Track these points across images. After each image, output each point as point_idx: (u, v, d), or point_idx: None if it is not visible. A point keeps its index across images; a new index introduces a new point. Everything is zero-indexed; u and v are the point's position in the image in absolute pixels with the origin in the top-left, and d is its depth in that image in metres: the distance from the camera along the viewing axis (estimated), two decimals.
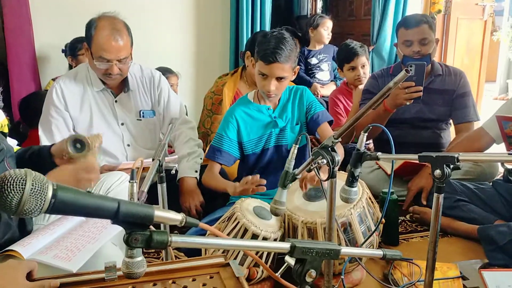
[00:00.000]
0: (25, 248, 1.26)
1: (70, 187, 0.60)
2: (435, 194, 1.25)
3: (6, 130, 1.54)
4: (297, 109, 2.15)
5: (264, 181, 1.75)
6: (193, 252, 1.75)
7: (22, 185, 0.55)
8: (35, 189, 0.55)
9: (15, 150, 1.60)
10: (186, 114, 2.51)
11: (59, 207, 0.58)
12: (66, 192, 0.58)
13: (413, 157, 1.28)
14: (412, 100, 2.25)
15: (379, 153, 1.31)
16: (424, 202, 2.35)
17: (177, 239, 0.70)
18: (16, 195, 0.54)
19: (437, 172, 1.20)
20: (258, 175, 1.77)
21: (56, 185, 0.58)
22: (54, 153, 1.58)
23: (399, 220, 2.20)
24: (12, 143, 1.60)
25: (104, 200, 0.63)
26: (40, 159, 1.58)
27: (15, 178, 0.55)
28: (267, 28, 4.01)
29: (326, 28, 4.00)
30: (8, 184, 0.54)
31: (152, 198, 1.33)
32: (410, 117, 2.62)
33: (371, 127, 1.34)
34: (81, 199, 0.60)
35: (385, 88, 1.11)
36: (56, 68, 3.60)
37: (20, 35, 3.25)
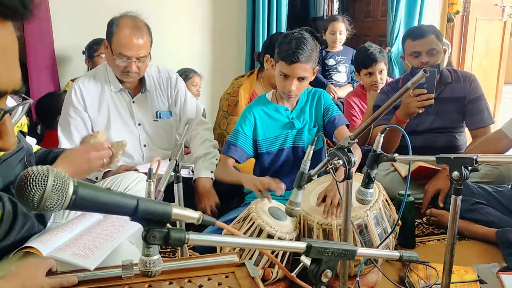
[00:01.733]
0: (44, 245, 1.28)
1: (91, 184, 0.61)
2: (453, 196, 1.24)
3: (25, 129, 1.56)
4: (315, 112, 2.15)
5: (284, 187, 1.75)
6: (208, 252, 1.75)
7: (44, 181, 0.56)
8: (56, 185, 0.56)
9: (34, 150, 1.63)
10: (203, 115, 2.53)
11: (80, 203, 0.59)
12: (86, 188, 0.60)
13: (431, 159, 1.27)
14: (424, 109, 2.22)
15: (396, 155, 1.31)
16: (442, 205, 2.32)
17: (194, 237, 0.70)
18: (38, 191, 0.55)
19: (455, 173, 1.19)
20: (284, 186, 1.75)
21: (77, 182, 0.59)
22: None
23: (416, 223, 2.18)
24: (32, 142, 1.63)
25: (124, 197, 0.64)
26: None
27: (38, 174, 0.56)
28: (283, 30, 4.01)
29: (333, 32, 3.96)
30: (31, 180, 0.55)
31: (168, 197, 1.34)
32: (424, 129, 2.59)
33: (387, 128, 1.34)
34: (101, 196, 0.61)
35: (403, 88, 1.11)
36: (75, 69, 3.65)
37: (40, 36, 3.30)
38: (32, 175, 0.56)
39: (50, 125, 2.81)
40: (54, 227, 1.50)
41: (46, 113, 2.87)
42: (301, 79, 1.97)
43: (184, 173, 1.91)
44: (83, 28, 3.48)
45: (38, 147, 1.72)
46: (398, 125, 2.34)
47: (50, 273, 1.14)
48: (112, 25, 2.16)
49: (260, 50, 3.24)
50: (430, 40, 2.45)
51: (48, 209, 0.56)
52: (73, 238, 1.36)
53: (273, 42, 2.30)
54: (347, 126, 2.17)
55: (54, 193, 0.56)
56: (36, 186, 0.55)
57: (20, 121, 1.53)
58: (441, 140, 2.61)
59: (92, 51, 3.26)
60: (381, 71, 2.96)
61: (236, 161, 2.11)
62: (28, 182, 0.55)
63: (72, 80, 3.33)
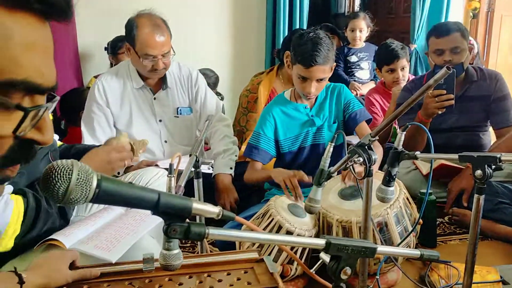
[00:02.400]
0: (68, 237, 1.31)
1: (113, 178, 0.62)
2: (476, 196, 1.22)
3: None
4: (335, 107, 2.13)
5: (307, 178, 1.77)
6: (227, 248, 1.76)
7: (69, 174, 0.57)
8: (81, 179, 0.57)
9: (58, 145, 1.66)
10: (223, 112, 2.55)
11: (103, 197, 0.60)
12: (109, 182, 0.61)
13: (453, 157, 1.25)
14: (445, 109, 2.18)
15: (417, 152, 1.29)
16: (466, 204, 2.28)
17: (214, 232, 0.71)
18: (63, 184, 0.57)
19: (478, 172, 1.17)
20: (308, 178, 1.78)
21: (100, 176, 0.60)
22: None
23: (437, 222, 2.15)
24: (55, 137, 1.66)
25: (145, 191, 0.65)
26: None
27: (62, 168, 0.57)
28: (304, 26, 3.99)
29: (353, 29, 3.92)
30: (56, 173, 0.57)
31: (188, 193, 1.35)
32: (447, 127, 2.54)
33: (409, 125, 1.32)
34: (123, 190, 0.62)
35: (424, 86, 1.09)
36: (98, 65, 3.71)
37: (64, 33, 3.36)
38: (57, 169, 0.57)
39: (74, 121, 2.86)
40: (77, 220, 1.54)
41: (70, 109, 2.92)
42: (319, 80, 1.96)
43: (203, 168, 1.94)
44: (106, 25, 3.53)
45: (60, 142, 1.75)
46: (419, 130, 2.31)
47: (72, 267, 1.17)
48: (131, 28, 2.18)
49: (280, 47, 3.24)
50: (454, 38, 2.40)
51: (73, 202, 0.57)
52: (95, 231, 1.39)
53: (293, 39, 2.29)
54: (370, 120, 2.15)
55: (78, 186, 0.57)
56: (61, 179, 0.57)
57: None
58: (464, 138, 2.57)
59: (116, 48, 3.31)
60: (403, 68, 2.92)
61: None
62: (54, 175, 0.57)
63: (95, 77, 3.38)
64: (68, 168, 0.57)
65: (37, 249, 1.35)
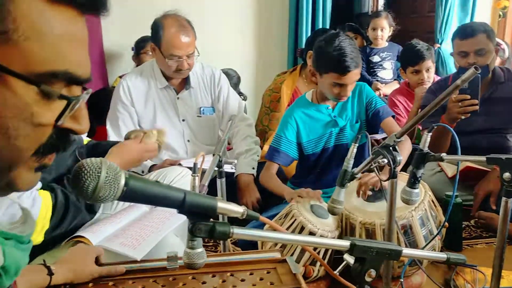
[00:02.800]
0: (94, 234, 1.34)
1: (141, 177, 0.63)
2: (504, 199, 1.20)
3: None
4: (357, 106, 2.12)
5: (320, 193, 1.79)
6: (249, 248, 1.77)
7: (98, 173, 0.58)
8: (109, 177, 0.59)
9: (84, 143, 1.70)
10: (245, 112, 2.56)
11: (130, 195, 0.61)
12: (137, 181, 0.61)
13: (481, 159, 1.23)
14: (469, 114, 2.14)
15: (443, 154, 1.27)
16: (494, 207, 2.23)
17: (238, 231, 0.71)
18: (92, 182, 0.58)
19: (506, 175, 1.15)
20: (321, 192, 1.79)
21: (128, 174, 0.61)
22: None
23: (463, 225, 2.11)
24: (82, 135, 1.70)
25: (171, 190, 0.66)
26: None
27: (92, 166, 0.58)
28: (327, 26, 3.96)
29: (374, 28, 3.86)
30: (85, 171, 0.58)
31: (211, 192, 1.36)
32: (473, 130, 2.49)
33: (435, 126, 1.30)
34: (150, 188, 0.63)
35: (452, 86, 1.08)
36: (123, 65, 3.76)
37: (89, 33, 3.41)
38: (87, 167, 0.58)
39: (100, 120, 2.90)
40: (103, 218, 1.56)
41: (98, 108, 2.97)
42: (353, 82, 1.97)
43: (226, 168, 1.95)
44: (131, 25, 3.58)
45: (88, 139, 1.79)
46: (444, 129, 2.27)
47: (97, 263, 1.19)
48: (157, 28, 2.21)
49: (303, 46, 3.23)
50: (479, 39, 2.34)
51: (101, 200, 0.59)
52: (121, 229, 1.41)
53: (316, 39, 2.28)
54: (393, 116, 2.11)
55: (107, 184, 0.58)
56: (90, 177, 0.58)
57: None
58: (490, 141, 2.51)
59: (139, 48, 3.35)
60: (428, 69, 2.87)
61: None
62: (83, 174, 0.58)
63: (120, 77, 3.43)
64: (97, 166, 0.59)
65: (64, 246, 1.38)
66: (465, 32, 2.39)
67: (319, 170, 2.14)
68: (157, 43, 2.22)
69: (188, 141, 2.45)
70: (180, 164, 2.11)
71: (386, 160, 1.28)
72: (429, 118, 1.93)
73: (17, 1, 0.49)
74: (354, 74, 1.92)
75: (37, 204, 1.30)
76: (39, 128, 0.53)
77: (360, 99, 2.11)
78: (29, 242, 0.64)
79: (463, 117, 2.16)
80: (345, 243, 0.79)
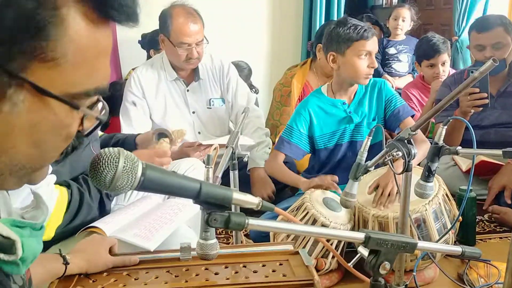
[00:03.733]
0: (108, 225, 1.35)
1: (158, 167, 0.64)
2: None
3: None
4: (375, 104, 2.07)
5: (336, 179, 1.78)
6: (262, 240, 1.77)
7: (115, 162, 0.59)
8: (127, 167, 0.59)
9: (99, 135, 1.71)
10: (257, 105, 2.55)
11: (147, 185, 0.62)
12: (154, 171, 0.62)
13: (497, 153, 1.21)
14: (481, 108, 2.11)
15: (459, 148, 1.26)
16: (509, 201, 2.21)
17: (253, 222, 0.71)
18: (110, 171, 0.58)
19: None
20: (337, 177, 1.78)
21: (145, 164, 0.61)
22: (139, 142, 1.71)
23: (477, 220, 2.09)
24: None
25: (188, 180, 0.66)
26: (124, 147, 1.68)
27: (110, 156, 0.59)
28: None
29: (396, 18, 3.83)
30: (103, 161, 0.59)
31: (223, 185, 1.37)
32: (489, 124, 2.46)
33: (450, 119, 1.29)
34: (167, 178, 0.64)
35: (469, 78, 1.06)
36: (136, 58, 3.76)
37: None
38: (105, 156, 0.59)
39: (114, 112, 2.93)
40: (116, 209, 1.58)
41: (110, 101, 2.99)
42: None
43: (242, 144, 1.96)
44: (145, 18, 3.57)
45: (101, 133, 1.80)
46: (457, 125, 2.25)
47: (110, 253, 1.20)
48: (165, 18, 2.22)
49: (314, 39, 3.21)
50: (496, 33, 2.30)
51: (119, 189, 0.59)
52: (134, 220, 1.42)
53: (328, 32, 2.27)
54: (413, 116, 2.08)
55: (124, 174, 0.59)
56: (108, 166, 0.58)
57: None
58: (500, 135, 2.47)
59: (157, 43, 3.33)
60: (443, 63, 2.84)
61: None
62: (101, 163, 0.58)
63: (133, 69, 3.44)
64: (115, 156, 0.59)
65: (78, 236, 1.39)
66: (482, 25, 2.35)
67: (332, 166, 2.10)
68: (166, 33, 2.23)
69: (199, 133, 2.45)
70: (200, 144, 2.11)
71: (400, 153, 1.27)
72: (444, 112, 1.91)
73: (67, 26, 0.49)
74: (375, 41, 1.95)
75: (53, 197, 1.32)
76: (68, 139, 0.55)
77: (379, 97, 2.07)
78: (41, 228, 0.65)
79: (472, 111, 2.13)
80: (360, 235, 0.79)
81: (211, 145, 1.41)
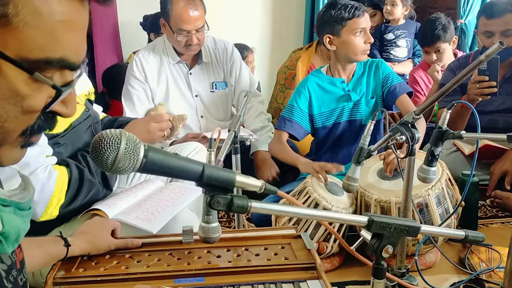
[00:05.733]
0: (110, 208, 1.35)
1: (160, 149, 0.63)
2: None
3: (92, 97, 1.64)
4: (373, 82, 2.08)
5: (343, 168, 1.73)
6: (264, 224, 1.78)
7: (117, 144, 0.58)
8: (129, 148, 0.58)
9: (100, 118, 1.70)
10: (258, 89, 2.54)
11: (149, 167, 0.61)
12: (156, 153, 0.61)
13: (501, 137, 1.21)
14: (489, 96, 2.09)
15: (463, 132, 1.25)
16: (508, 187, 2.20)
17: (256, 205, 0.71)
18: (112, 153, 0.58)
19: None
20: (343, 166, 1.74)
21: (147, 146, 0.61)
22: None
23: (479, 204, 2.09)
24: (98, 110, 1.70)
25: (190, 162, 0.66)
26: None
27: (111, 137, 0.58)
28: None
29: (387, 3, 3.76)
30: (105, 142, 0.58)
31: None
32: (493, 109, 2.43)
33: (455, 103, 1.28)
34: (169, 160, 0.63)
35: (475, 61, 1.05)
36: (137, 41, 3.74)
37: (104, 9, 3.40)
38: (106, 138, 0.58)
39: (115, 95, 2.92)
40: (118, 192, 1.58)
41: (112, 83, 2.98)
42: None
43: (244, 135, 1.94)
44: (145, 1, 3.54)
45: (104, 114, 1.80)
46: (462, 109, 2.23)
47: (113, 236, 1.20)
48: (166, 3, 2.19)
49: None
50: (507, 19, 2.24)
51: (121, 171, 0.59)
52: (137, 203, 1.42)
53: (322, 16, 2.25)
54: (411, 93, 2.07)
55: (126, 155, 0.58)
56: (110, 148, 0.58)
57: (87, 90, 1.61)
58: (506, 121, 2.46)
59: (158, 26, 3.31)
60: (438, 50, 2.80)
61: (294, 138, 2.08)
62: (103, 144, 0.58)
63: (134, 53, 3.42)
64: (116, 137, 0.58)
65: (80, 218, 1.40)
66: (491, 11, 2.30)
67: (332, 146, 2.10)
68: (166, 18, 2.20)
69: (202, 116, 2.44)
70: (204, 137, 2.11)
71: (404, 138, 1.26)
72: (448, 97, 1.89)
73: None
74: (367, 18, 1.98)
75: (52, 178, 1.32)
76: (28, 111, 0.54)
77: (376, 75, 2.08)
78: (29, 209, 0.65)
79: (480, 99, 2.11)
80: (363, 219, 0.79)
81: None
